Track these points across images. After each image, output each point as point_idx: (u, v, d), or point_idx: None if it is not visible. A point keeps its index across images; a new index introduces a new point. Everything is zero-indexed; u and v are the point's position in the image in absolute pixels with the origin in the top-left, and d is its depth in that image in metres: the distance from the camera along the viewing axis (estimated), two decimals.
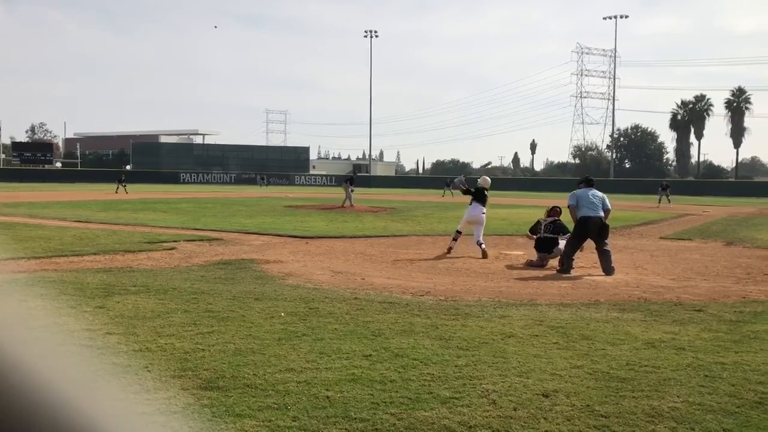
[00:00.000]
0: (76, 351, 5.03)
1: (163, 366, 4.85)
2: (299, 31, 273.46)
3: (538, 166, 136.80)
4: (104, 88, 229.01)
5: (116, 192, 39.97)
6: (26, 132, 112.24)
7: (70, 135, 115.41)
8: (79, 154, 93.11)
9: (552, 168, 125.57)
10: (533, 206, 30.68)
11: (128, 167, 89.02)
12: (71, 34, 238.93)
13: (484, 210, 13.02)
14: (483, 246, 12.51)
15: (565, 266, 10.68)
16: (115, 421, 0.32)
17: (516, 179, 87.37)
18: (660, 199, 38.20)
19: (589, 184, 11.40)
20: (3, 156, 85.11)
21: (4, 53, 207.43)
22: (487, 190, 13.32)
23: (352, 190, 29.13)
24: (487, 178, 13.87)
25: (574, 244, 10.85)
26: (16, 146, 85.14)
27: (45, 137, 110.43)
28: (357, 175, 31.11)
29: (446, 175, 72.63)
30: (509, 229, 18.42)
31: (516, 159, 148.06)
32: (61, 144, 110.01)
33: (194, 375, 4.66)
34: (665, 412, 4.14)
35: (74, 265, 10.01)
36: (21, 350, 0.31)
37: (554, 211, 12.26)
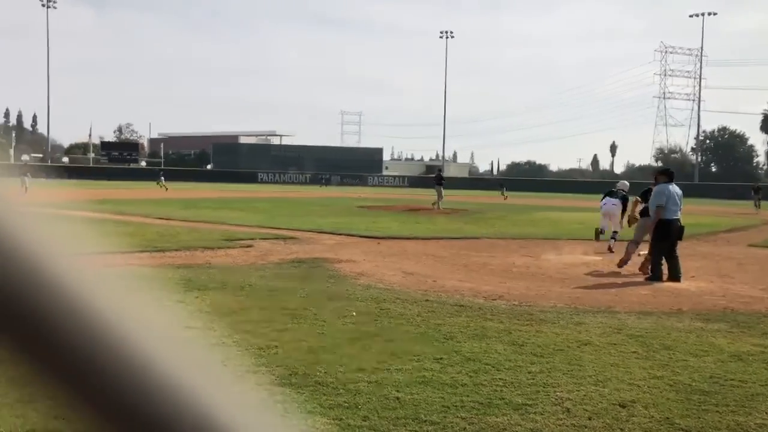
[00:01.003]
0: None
1: (239, 361, 4.97)
2: (375, 33, 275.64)
3: (619, 169, 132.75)
4: (187, 89, 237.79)
5: (166, 190, 41.11)
6: (114, 132, 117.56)
7: (154, 135, 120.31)
8: (162, 153, 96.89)
9: (633, 171, 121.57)
10: None
11: (209, 167, 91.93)
12: (157, 37, 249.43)
13: (615, 202, 14.01)
14: (603, 238, 13.95)
15: (656, 273, 10.17)
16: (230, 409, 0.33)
17: (595, 182, 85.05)
18: (756, 204, 36.17)
19: (670, 178, 10.70)
20: (93, 155, 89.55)
21: (94, 56, 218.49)
22: (622, 190, 14.32)
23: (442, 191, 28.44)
24: (626, 182, 15.27)
25: (661, 248, 10.35)
26: (105, 145, 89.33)
27: (131, 137, 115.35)
28: (442, 174, 29.80)
29: (504, 177, 71.27)
30: (587, 233, 17.95)
31: (595, 161, 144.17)
32: (146, 144, 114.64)
33: (268, 371, 4.76)
34: (752, 429, 3.93)
35: (156, 260, 10.41)
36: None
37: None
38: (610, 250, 13.34)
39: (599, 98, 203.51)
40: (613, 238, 13.76)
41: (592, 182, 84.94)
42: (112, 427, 0.32)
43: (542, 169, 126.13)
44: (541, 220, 23.30)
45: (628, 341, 6.04)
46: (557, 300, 8.21)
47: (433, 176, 32.85)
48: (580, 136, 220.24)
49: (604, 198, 14.53)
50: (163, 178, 46.64)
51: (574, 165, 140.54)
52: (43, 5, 75.21)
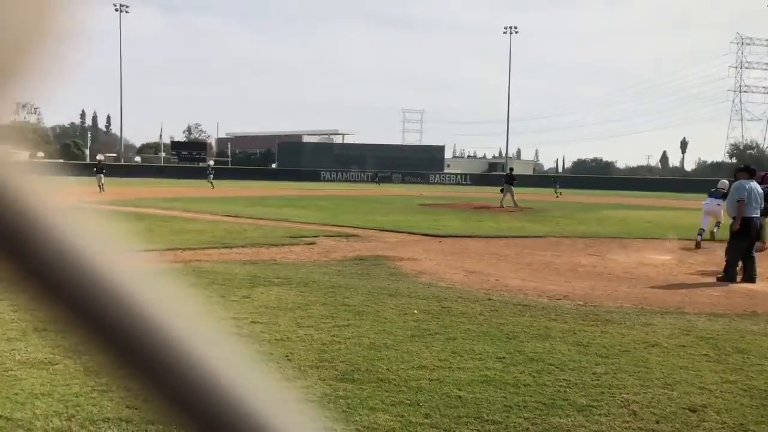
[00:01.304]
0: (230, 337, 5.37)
1: (302, 356, 5.06)
2: (437, 30, 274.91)
3: (689, 166, 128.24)
4: (253, 89, 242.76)
5: (212, 187, 41.51)
6: (183, 132, 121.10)
7: (221, 135, 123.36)
8: (229, 152, 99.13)
9: (705, 168, 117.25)
10: (681, 208, 28.84)
11: (274, 165, 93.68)
12: (223, 39, 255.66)
13: (719, 202, 14.28)
14: (699, 237, 14.05)
15: (730, 273, 9.80)
16: (267, 405, 0.35)
17: (664, 179, 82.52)
18: None
19: (752, 175, 10.38)
20: (163, 154, 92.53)
21: (164, 59, 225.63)
22: (722, 189, 14.61)
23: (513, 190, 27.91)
24: (725, 180, 15.42)
25: (739, 248, 9.95)
26: (175, 145, 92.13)
27: (200, 137, 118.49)
28: (512, 174, 28.96)
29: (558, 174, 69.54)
30: (656, 232, 17.44)
31: (664, 158, 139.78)
32: (213, 143, 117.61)
33: (331, 366, 4.82)
34: None
35: (224, 256, 10.69)
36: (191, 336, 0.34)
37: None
38: (697, 245, 13.81)
39: (669, 92, 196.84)
40: (701, 232, 14.24)
41: (661, 179, 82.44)
42: (180, 418, 0.34)
43: (609, 166, 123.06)
44: (608, 219, 22.75)
45: (698, 343, 5.84)
46: (624, 300, 8.01)
47: (504, 174, 31.76)
48: (649, 132, 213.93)
49: (710, 198, 14.94)
50: (211, 175, 47.13)
51: (642, 162, 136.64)
52: (116, 10, 78.22)
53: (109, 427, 3.62)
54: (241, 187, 44.54)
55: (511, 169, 31.08)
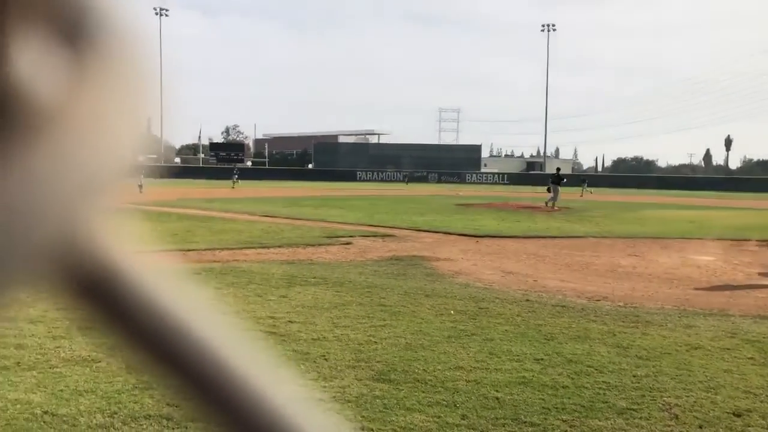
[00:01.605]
0: (262, 337, 5.43)
1: (339, 356, 5.09)
2: (475, 28, 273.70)
3: (734, 164, 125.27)
4: (290, 90, 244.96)
5: (233, 187, 42.00)
6: (222, 133, 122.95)
7: (259, 136, 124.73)
8: (267, 153, 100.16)
9: (751, 166, 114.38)
10: (725, 207, 28.16)
11: (310, 166, 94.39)
12: (261, 41, 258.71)
13: None
14: None
15: None
16: (295, 405, 0.35)
17: (707, 178, 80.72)
18: None
19: None
20: (202, 155, 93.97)
21: (204, 60, 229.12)
22: None
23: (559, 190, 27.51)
24: None
25: None
26: (213, 146, 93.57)
27: (237, 138, 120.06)
28: (560, 175, 28.25)
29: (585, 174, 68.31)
30: (698, 232, 17.06)
31: (708, 156, 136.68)
32: (251, 144, 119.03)
33: (367, 366, 4.83)
34: None
35: (261, 256, 10.80)
36: (213, 335, 0.34)
37: None
38: None
39: (712, 89, 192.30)
40: None
41: (704, 178, 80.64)
42: (218, 416, 0.34)
43: (650, 164, 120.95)
44: (649, 219, 22.34)
45: (743, 346, 5.70)
46: (665, 301, 7.85)
47: (552, 174, 31.04)
48: (691, 130, 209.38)
49: None
50: (236, 176, 47.43)
51: (685, 160, 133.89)
52: (156, 13, 79.72)
53: (151, 424, 3.70)
54: (278, 188, 44.93)
55: (558, 169, 30.51)
